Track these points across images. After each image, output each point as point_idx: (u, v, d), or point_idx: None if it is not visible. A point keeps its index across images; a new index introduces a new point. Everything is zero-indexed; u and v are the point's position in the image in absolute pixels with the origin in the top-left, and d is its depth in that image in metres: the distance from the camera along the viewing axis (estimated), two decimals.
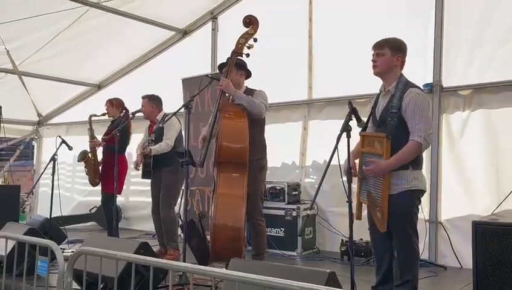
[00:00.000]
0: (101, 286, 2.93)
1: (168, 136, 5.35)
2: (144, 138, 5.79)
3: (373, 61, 3.40)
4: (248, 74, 4.54)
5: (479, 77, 5.09)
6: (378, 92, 3.58)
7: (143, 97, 5.62)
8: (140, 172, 5.56)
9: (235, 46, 4.35)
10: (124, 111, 6.06)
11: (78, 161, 6.18)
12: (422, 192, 3.40)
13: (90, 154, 6.11)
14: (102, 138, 6.06)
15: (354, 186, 3.50)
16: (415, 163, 3.32)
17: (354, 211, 3.34)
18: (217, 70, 6.28)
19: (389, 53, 3.36)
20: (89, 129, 6.18)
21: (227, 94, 4.36)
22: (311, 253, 5.81)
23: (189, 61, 7.23)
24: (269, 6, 6.08)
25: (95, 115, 6.17)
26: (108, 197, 5.81)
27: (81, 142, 7.00)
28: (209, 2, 7.16)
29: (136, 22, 6.98)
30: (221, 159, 4.17)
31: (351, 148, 3.24)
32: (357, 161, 3.51)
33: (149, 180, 5.58)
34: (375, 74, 3.44)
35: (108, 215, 5.94)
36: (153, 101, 5.58)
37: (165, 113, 5.58)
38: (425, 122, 3.26)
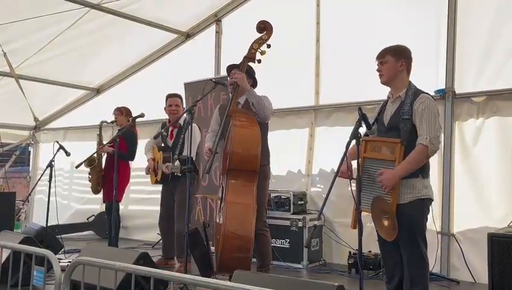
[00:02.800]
0: None
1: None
2: (151, 141, 5.53)
3: (378, 70, 3.42)
4: (254, 83, 4.45)
5: (492, 83, 4.98)
6: (386, 98, 3.54)
7: (174, 95, 5.38)
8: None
9: (248, 51, 4.28)
10: (129, 119, 5.91)
11: (86, 166, 5.98)
12: (431, 201, 3.35)
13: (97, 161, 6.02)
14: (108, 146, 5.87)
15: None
16: (425, 171, 3.28)
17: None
18: (221, 74, 6.15)
19: (392, 60, 3.37)
20: (98, 135, 6.11)
21: (238, 99, 4.27)
22: (317, 265, 5.66)
23: (192, 65, 7.11)
24: (275, 9, 5.96)
25: (105, 122, 6.11)
26: (111, 206, 5.62)
27: (80, 148, 6.88)
28: (213, 4, 7.03)
29: (138, 24, 6.84)
30: (233, 167, 4.06)
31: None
32: (353, 163, 3.37)
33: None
34: (383, 82, 3.45)
35: (111, 224, 5.75)
36: (182, 101, 5.42)
37: (185, 118, 5.22)
38: (433, 126, 3.23)
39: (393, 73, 3.37)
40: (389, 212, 3.15)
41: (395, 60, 3.36)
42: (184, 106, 5.59)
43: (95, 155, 5.98)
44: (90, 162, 5.92)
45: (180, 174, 4.93)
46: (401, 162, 3.16)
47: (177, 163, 4.96)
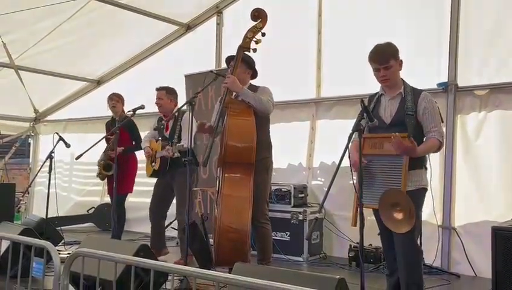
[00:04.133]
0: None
1: (186, 136, 5.06)
2: (151, 132, 5.51)
3: (383, 76, 3.38)
4: (254, 74, 4.37)
5: (495, 77, 4.94)
6: (378, 93, 3.53)
7: (159, 89, 5.35)
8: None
9: (242, 40, 4.19)
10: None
11: (104, 172, 5.91)
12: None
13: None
14: (106, 137, 5.83)
15: None
16: (426, 164, 3.41)
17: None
18: (222, 66, 6.11)
19: (395, 63, 3.38)
20: (112, 143, 5.88)
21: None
22: (317, 258, 5.64)
23: (192, 57, 7.09)
24: (277, 1, 5.90)
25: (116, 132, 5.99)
26: (121, 199, 5.70)
27: (80, 140, 6.83)
28: None
29: (138, 15, 6.80)
30: (228, 159, 4.02)
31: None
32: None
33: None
34: (388, 86, 3.45)
35: (119, 219, 5.68)
36: (170, 94, 5.34)
37: (179, 109, 5.21)
38: (441, 125, 3.40)
39: (396, 75, 3.41)
40: (402, 203, 3.12)
41: (395, 61, 3.37)
42: (185, 99, 5.54)
43: (109, 161, 5.81)
44: (107, 167, 5.83)
45: (179, 154, 4.88)
46: (420, 146, 3.22)
47: (177, 145, 4.94)
